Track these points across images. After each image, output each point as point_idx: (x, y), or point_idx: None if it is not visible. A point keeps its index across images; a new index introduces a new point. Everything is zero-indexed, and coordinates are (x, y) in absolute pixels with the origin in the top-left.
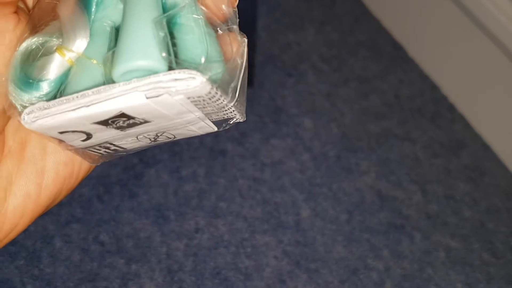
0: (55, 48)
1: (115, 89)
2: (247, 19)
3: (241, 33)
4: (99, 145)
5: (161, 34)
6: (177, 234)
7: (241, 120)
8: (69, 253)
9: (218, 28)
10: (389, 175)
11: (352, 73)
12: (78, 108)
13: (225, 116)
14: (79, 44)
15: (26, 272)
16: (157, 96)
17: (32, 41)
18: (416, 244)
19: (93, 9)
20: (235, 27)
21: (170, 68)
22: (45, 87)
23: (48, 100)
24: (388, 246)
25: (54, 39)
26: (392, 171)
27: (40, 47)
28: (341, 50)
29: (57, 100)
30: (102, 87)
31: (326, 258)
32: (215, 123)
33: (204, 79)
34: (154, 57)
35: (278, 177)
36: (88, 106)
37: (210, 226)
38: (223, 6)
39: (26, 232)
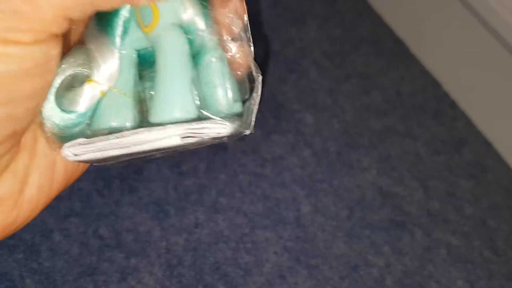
0: (86, 80)
1: (153, 133)
2: (249, 14)
3: (256, 65)
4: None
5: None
6: (176, 229)
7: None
8: (68, 247)
9: (230, 53)
10: (390, 172)
11: (354, 69)
12: (118, 148)
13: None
14: (110, 77)
15: (25, 266)
16: (190, 138)
17: (64, 72)
18: (417, 241)
19: (117, 39)
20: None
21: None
22: (77, 119)
23: (79, 130)
24: (389, 242)
25: (85, 70)
26: (393, 167)
27: (69, 77)
28: (343, 46)
29: (97, 138)
30: (141, 129)
31: (326, 254)
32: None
33: (233, 127)
34: (191, 111)
35: (278, 173)
36: (129, 147)
37: (210, 221)
38: (233, 26)
39: (25, 225)
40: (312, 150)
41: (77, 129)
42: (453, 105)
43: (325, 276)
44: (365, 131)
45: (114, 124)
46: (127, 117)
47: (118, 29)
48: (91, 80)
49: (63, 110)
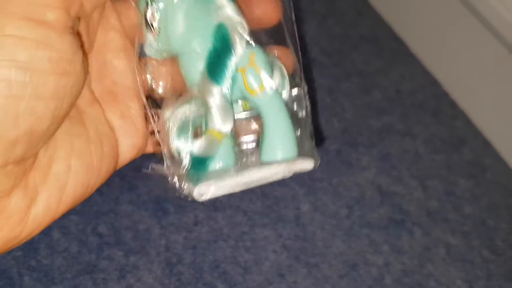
0: (207, 131)
1: (268, 171)
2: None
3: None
4: None
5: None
6: (176, 227)
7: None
8: (67, 244)
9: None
10: (389, 170)
11: (354, 67)
12: (238, 185)
13: None
14: (228, 129)
15: (23, 263)
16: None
17: (185, 115)
18: (416, 240)
19: (226, 88)
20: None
21: None
22: (208, 166)
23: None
24: (388, 241)
25: (201, 118)
26: (392, 166)
27: (188, 122)
28: (343, 45)
29: (225, 178)
30: (259, 168)
31: (325, 253)
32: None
33: (313, 162)
34: (292, 152)
35: None
36: (247, 183)
37: (210, 219)
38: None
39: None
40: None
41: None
42: (452, 104)
43: (324, 275)
44: (364, 130)
45: (223, 163)
46: (232, 157)
47: (228, 81)
48: (213, 131)
49: (199, 161)
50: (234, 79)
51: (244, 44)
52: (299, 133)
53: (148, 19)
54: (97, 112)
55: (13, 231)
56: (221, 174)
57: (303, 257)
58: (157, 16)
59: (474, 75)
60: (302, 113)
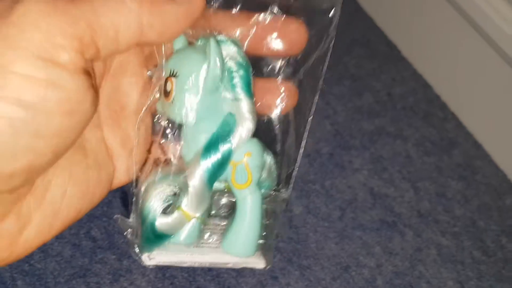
0: (178, 208)
1: (221, 259)
2: None
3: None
4: None
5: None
6: None
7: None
8: (60, 248)
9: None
10: (381, 173)
11: (346, 71)
12: (185, 262)
13: None
14: (199, 214)
15: (16, 268)
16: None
17: (163, 193)
18: (408, 242)
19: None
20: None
21: None
22: (168, 240)
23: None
24: (380, 243)
25: (176, 196)
26: (384, 168)
27: (163, 195)
28: (335, 48)
29: (179, 252)
30: (213, 254)
31: (318, 255)
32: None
33: (264, 263)
34: (252, 254)
35: None
36: (194, 262)
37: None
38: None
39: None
40: (304, 151)
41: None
42: (443, 107)
43: (317, 277)
44: (356, 133)
45: (183, 241)
46: (193, 237)
47: (214, 175)
48: (186, 212)
49: (159, 235)
50: (225, 165)
51: (244, 140)
52: (264, 233)
53: (167, 86)
54: (98, 139)
55: (3, 254)
56: (177, 247)
57: (296, 259)
58: (175, 86)
59: (465, 78)
60: (275, 215)
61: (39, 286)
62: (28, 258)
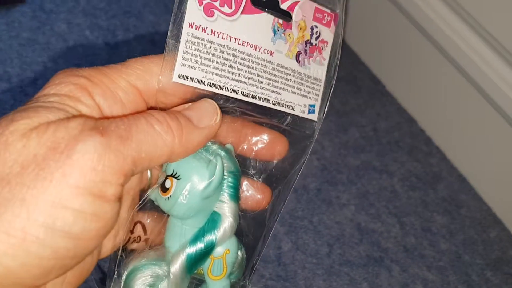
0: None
1: None
2: None
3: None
4: None
5: None
6: None
7: None
8: None
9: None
10: (368, 208)
11: (331, 107)
12: None
13: None
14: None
15: None
16: None
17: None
18: (394, 277)
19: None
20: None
21: None
22: None
23: None
24: (367, 279)
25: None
26: (371, 203)
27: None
28: None
29: None
30: None
31: None
32: None
33: None
34: None
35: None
36: None
37: None
38: None
39: None
40: (293, 187)
41: None
42: (428, 141)
43: None
44: (343, 168)
45: None
46: None
47: (195, 265)
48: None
49: None
50: (207, 256)
51: (226, 239)
52: None
53: (166, 183)
54: None
55: None
56: None
57: None
58: (174, 187)
59: (449, 113)
60: None
61: None
62: None
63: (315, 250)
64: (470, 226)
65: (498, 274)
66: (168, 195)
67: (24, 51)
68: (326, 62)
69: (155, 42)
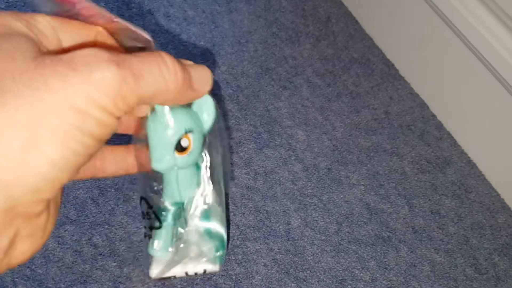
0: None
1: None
2: (245, 33)
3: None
4: None
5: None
6: None
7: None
8: (62, 254)
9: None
10: (377, 189)
11: (345, 88)
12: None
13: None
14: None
15: (18, 272)
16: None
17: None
18: (402, 257)
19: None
20: None
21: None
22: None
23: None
24: (375, 258)
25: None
26: (380, 184)
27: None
28: (335, 66)
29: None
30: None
31: (314, 268)
32: None
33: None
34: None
35: (270, 186)
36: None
37: None
38: None
39: None
40: (303, 165)
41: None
42: (439, 126)
43: None
44: (354, 149)
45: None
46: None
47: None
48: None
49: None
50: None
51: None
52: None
53: (183, 143)
54: None
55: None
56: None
57: (292, 271)
58: (192, 140)
59: (460, 98)
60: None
61: None
62: (29, 263)
63: (324, 227)
64: (478, 211)
65: (506, 259)
66: (189, 151)
67: None
68: None
69: None
